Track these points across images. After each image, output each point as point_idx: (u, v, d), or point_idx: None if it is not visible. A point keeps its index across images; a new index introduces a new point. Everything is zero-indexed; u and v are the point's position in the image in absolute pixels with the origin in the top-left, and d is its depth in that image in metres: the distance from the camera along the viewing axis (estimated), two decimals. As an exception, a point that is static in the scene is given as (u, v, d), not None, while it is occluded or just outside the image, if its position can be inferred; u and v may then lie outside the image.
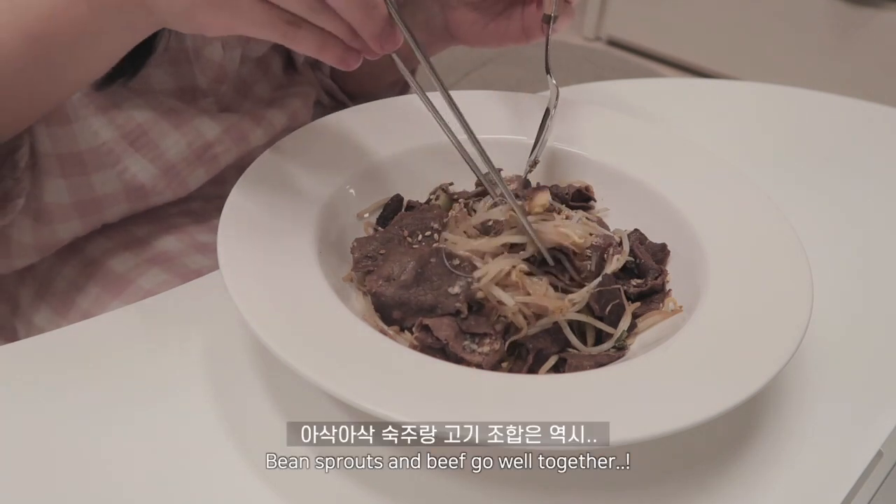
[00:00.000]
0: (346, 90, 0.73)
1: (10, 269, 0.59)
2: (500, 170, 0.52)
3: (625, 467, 0.39)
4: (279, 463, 0.38)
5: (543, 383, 0.38)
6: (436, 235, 0.45)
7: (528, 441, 0.33)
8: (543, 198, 0.46)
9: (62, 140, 0.52)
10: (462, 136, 0.45)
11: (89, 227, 0.57)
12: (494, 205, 0.47)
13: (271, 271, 0.40)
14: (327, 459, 0.38)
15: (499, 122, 0.54)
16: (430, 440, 0.34)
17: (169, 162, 0.57)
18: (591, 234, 0.45)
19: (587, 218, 0.49)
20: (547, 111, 0.52)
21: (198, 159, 0.59)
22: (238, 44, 0.59)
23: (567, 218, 0.48)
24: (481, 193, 0.51)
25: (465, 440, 0.32)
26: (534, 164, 0.51)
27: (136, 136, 0.56)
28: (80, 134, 0.53)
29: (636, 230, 0.49)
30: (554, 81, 0.52)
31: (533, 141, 0.52)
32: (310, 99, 0.68)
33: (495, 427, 0.33)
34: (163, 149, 0.57)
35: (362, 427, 0.40)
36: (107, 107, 0.54)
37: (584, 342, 0.42)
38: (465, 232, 0.47)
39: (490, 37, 0.58)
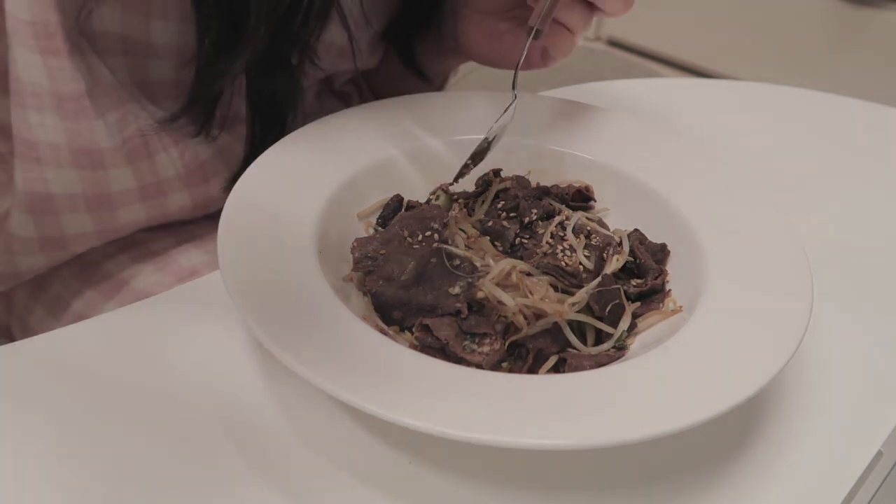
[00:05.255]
0: (374, 90, 0.73)
1: (16, 282, 0.59)
2: (499, 169, 0.53)
3: (625, 467, 0.39)
4: (279, 463, 0.38)
5: (543, 383, 0.38)
6: (436, 235, 0.45)
7: (527, 441, 0.33)
8: None
9: (96, 183, 0.52)
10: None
11: (105, 242, 0.57)
12: None
13: (271, 271, 0.40)
14: (326, 458, 0.38)
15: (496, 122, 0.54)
16: (430, 440, 0.34)
17: (209, 197, 0.58)
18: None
19: (587, 218, 0.49)
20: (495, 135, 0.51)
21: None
22: None
23: (567, 218, 0.48)
24: (481, 193, 0.51)
25: (464, 440, 0.32)
26: (466, 167, 0.50)
27: (197, 176, 0.56)
28: (112, 179, 0.52)
29: (636, 230, 0.49)
30: (515, 93, 0.51)
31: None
32: None
33: (494, 427, 0.33)
34: (211, 187, 0.57)
35: (362, 426, 0.40)
36: (177, 140, 0.54)
37: (584, 342, 0.42)
38: (464, 231, 0.47)
39: (495, 53, 0.58)
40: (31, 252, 0.55)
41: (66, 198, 0.52)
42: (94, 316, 0.46)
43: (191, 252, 0.57)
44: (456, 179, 0.50)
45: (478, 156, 0.50)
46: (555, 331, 0.42)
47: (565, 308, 0.42)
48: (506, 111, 0.51)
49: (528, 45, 0.49)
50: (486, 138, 0.50)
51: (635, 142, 0.54)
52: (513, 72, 0.51)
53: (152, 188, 0.54)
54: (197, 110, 0.51)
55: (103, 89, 0.49)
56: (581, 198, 0.52)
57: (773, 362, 0.37)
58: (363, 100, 0.73)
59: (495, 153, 0.51)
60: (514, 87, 0.51)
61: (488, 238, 0.47)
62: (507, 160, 0.53)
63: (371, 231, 0.49)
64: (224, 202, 0.56)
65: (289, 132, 0.51)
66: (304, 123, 0.63)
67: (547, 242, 0.46)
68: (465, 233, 0.47)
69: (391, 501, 0.37)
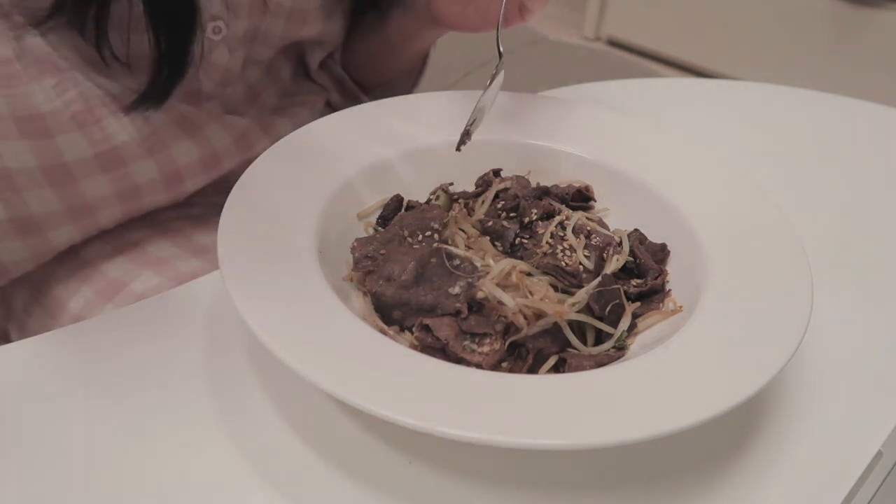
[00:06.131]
0: (357, 80, 0.73)
1: (6, 280, 0.59)
2: (499, 169, 0.53)
3: (625, 467, 0.39)
4: (279, 463, 0.38)
5: (543, 383, 0.38)
6: (436, 235, 0.45)
7: (527, 441, 0.33)
8: None
9: (47, 151, 0.52)
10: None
11: (84, 232, 0.57)
12: None
13: (271, 271, 0.40)
14: (326, 459, 0.38)
15: (497, 121, 0.54)
16: (430, 440, 0.34)
17: (176, 168, 0.57)
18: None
19: (587, 218, 0.49)
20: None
21: (204, 168, 0.59)
22: (241, 45, 0.59)
23: (567, 218, 0.48)
24: (481, 193, 0.51)
25: (464, 440, 0.32)
26: (466, 133, 0.50)
27: (154, 142, 0.55)
28: (63, 146, 0.52)
29: (636, 230, 0.49)
30: (501, 50, 0.52)
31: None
32: (317, 107, 0.69)
33: (495, 427, 0.33)
34: (175, 156, 0.57)
35: (362, 426, 0.40)
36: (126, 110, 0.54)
37: (584, 342, 0.42)
38: (464, 231, 0.47)
39: (470, 18, 0.58)
40: (7, 237, 0.55)
41: (24, 172, 0.52)
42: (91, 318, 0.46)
43: (191, 260, 0.58)
44: (458, 147, 0.50)
45: (475, 120, 0.50)
46: (555, 331, 0.41)
47: (565, 308, 0.42)
48: (496, 73, 0.51)
49: (504, 2, 0.50)
50: (479, 99, 0.50)
51: (635, 141, 0.54)
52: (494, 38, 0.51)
53: (109, 156, 0.54)
54: (67, 8, 0.50)
55: (37, 57, 0.49)
56: (581, 198, 0.52)
57: (773, 362, 0.37)
58: (345, 90, 0.73)
59: (495, 153, 0.51)
60: (498, 47, 0.51)
61: (488, 238, 0.47)
62: (507, 160, 0.53)
63: (371, 231, 0.49)
64: (193, 172, 0.56)
65: (205, 48, 0.51)
66: (282, 104, 0.63)
67: (547, 242, 0.46)
68: (465, 233, 0.47)
69: (391, 501, 0.37)
